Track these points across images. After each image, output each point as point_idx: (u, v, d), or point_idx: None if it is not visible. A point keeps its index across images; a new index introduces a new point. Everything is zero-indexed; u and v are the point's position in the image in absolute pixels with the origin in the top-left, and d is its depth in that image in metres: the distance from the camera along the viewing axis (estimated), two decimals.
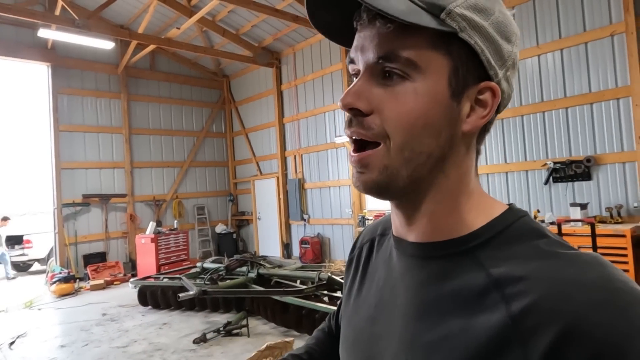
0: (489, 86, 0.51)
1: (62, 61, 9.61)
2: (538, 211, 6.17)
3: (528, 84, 6.51)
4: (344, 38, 0.57)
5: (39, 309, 7.14)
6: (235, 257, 6.12)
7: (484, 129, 0.55)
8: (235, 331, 5.07)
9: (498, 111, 0.53)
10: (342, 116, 9.28)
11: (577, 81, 6.04)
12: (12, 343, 5.27)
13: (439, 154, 0.51)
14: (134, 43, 9.68)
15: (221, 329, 5.05)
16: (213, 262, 6.81)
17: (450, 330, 0.47)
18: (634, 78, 5.48)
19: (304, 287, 4.93)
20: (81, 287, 8.42)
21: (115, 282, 8.76)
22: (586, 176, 5.93)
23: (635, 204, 5.50)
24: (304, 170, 10.40)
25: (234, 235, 12.10)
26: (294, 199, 10.45)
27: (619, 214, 5.54)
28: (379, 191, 0.53)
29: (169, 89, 11.55)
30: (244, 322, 5.16)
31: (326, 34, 0.59)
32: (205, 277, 5.46)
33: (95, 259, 9.59)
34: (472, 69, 0.50)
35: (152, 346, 4.96)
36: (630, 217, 5.54)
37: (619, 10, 5.61)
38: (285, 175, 10.85)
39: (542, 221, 5.95)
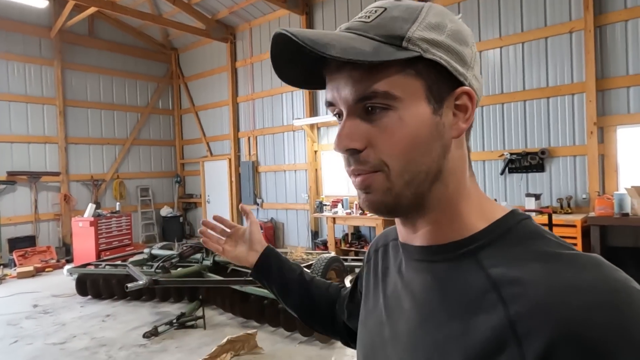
0: (464, 91, 0.54)
1: None
2: (495, 200, 6.31)
3: (489, 75, 6.59)
4: (314, 85, 0.61)
5: None
6: (189, 243, 5.71)
7: (469, 126, 0.57)
8: (189, 323, 4.72)
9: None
10: (301, 98, 8.98)
11: (536, 75, 6.20)
12: None
13: (435, 167, 0.54)
14: (70, 4, 8.66)
15: (174, 320, 4.68)
16: (162, 248, 6.33)
17: (451, 331, 0.48)
18: (589, 75, 5.70)
19: None
20: (6, 275, 7.54)
21: (47, 269, 7.95)
22: (540, 168, 6.15)
23: (584, 196, 5.79)
24: (258, 153, 10.00)
25: (181, 219, 11.49)
26: (247, 182, 10.05)
27: (568, 204, 5.81)
28: (387, 211, 0.55)
29: (110, 58, 10.55)
30: (199, 313, 4.83)
31: (296, 85, 0.62)
32: (156, 265, 5.02)
33: (23, 243, 8.64)
34: (443, 81, 0.53)
35: (95, 342, 4.48)
36: (579, 207, 5.83)
37: (579, 7, 5.78)
38: (238, 157, 10.39)
39: None
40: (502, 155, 6.45)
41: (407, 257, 0.61)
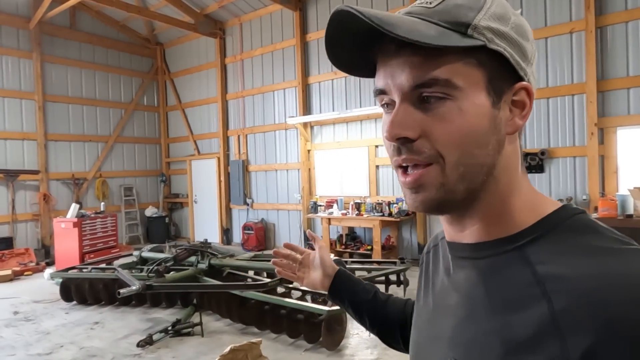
0: (523, 86, 0.53)
1: None
2: None
3: None
4: (362, 71, 0.59)
5: None
6: (183, 245, 5.44)
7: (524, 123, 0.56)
8: (185, 330, 4.47)
9: None
10: (294, 96, 8.77)
11: (536, 75, 6.15)
12: None
13: (489, 162, 0.52)
14: None
15: (169, 328, 4.41)
16: (152, 250, 6.04)
17: (493, 326, 0.48)
18: (590, 75, 5.68)
19: (268, 280, 4.46)
20: None
21: (26, 273, 7.52)
22: (539, 168, 6.11)
23: (584, 197, 5.77)
24: (248, 152, 9.74)
25: (166, 219, 11.12)
26: (237, 182, 9.78)
27: None
28: (439, 208, 0.54)
29: (92, 52, 10.12)
30: (194, 319, 4.58)
31: (345, 69, 0.60)
32: (150, 268, 4.74)
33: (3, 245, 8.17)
34: (504, 75, 0.52)
35: (83, 352, 4.19)
36: None
37: (580, 7, 5.76)
38: (227, 156, 10.11)
39: None
40: None
41: (454, 255, 0.60)
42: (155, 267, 4.67)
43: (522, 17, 0.55)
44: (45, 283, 6.78)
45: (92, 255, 7.54)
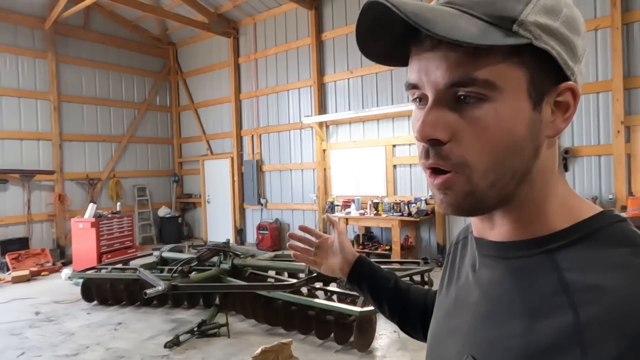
0: (569, 87, 0.49)
1: None
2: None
3: None
4: (395, 61, 0.56)
5: None
6: (206, 245, 5.40)
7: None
8: (211, 331, 4.43)
9: None
10: (309, 95, 8.72)
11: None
12: None
13: (524, 168, 0.49)
14: None
15: (195, 329, 4.37)
16: (171, 250, 6.00)
17: (514, 329, 0.46)
18: (616, 73, 5.59)
19: (295, 280, 4.40)
20: (0, 279, 7.09)
21: (43, 273, 7.51)
22: (563, 168, 6.01)
23: (610, 196, 5.69)
24: (262, 151, 9.70)
25: (179, 220, 11.09)
26: (251, 182, 9.74)
27: None
28: (468, 212, 0.52)
29: (104, 52, 10.11)
30: (221, 320, 4.53)
31: (376, 60, 0.56)
32: (174, 269, 4.70)
33: (15, 245, 8.17)
34: (548, 74, 0.48)
35: (110, 353, 4.15)
36: (605, 209, 5.72)
37: (606, 4, 5.67)
38: (240, 156, 10.07)
39: None
40: None
41: (480, 252, 0.58)
42: (180, 268, 4.63)
43: (575, 7, 0.50)
44: (63, 283, 6.79)
45: (109, 256, 7.52)
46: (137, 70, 10.78)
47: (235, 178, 10.08)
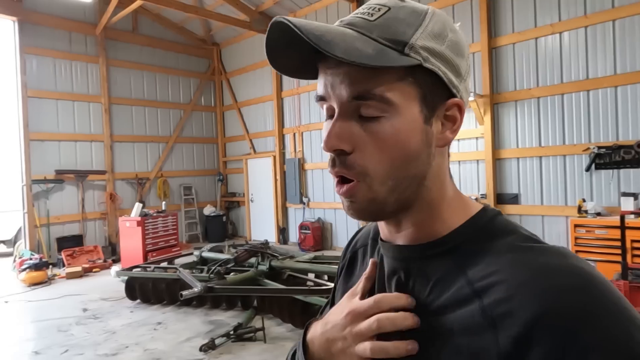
0: (455, 103, 0.55)
1: (30, 16, 8.34)
2: (583, 200, 5.57)
3: (572, 59, 5.83)
4: (305, 75, 0.60)
5: (6, 302, 6.16)
6: (244, 246, 5.31)
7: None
8: (247, 335, 4.30)
9: None
10: None
11: (630, 56, 5.40)
12: None
13: (420, 174, 0.54)
14: (114, 0, 8.48)
15: (231, 332, 4.26)
16: (211, 250, 5.97)
17: (429, 326, 0.50)
18: None
19: (333, 285, 4.17)
20: (55, 275, 7.43)
21: (94, 269, 7.80)
22: (635, 163, 5.35)
23: None
24: (304, 150, 9.55)
25: (224, 218, 11.21)
26: (293, 181, 9.62)
27: None
28: (372, 218, 0.57)
29: (152, 55, 10.38)
30: (257, 324, 4.40)
31: (288, 74, 0.60)
32: (211, 269, 4.63)
33: (70, 242, 8.56)
34: (437, 91, 0.53)
35: (148, 354, 4.13)
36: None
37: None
38: (282, 155, 9.98)
39: (585, 211, 5.39)
40: (588, 149, 5.68)
41: (387, 256, 0.61)
42: (216, 269, 4.54)
43: (460, 33, 0.56)
44: (112, 280, 6.96)
45: (154, 254, 7.68)
46: (183, 72, 10.99)
47: (278, 177, 10.01)
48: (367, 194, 0.53)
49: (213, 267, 4.68)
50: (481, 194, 6.72)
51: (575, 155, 5.85)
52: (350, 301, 0.59)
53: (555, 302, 0.42)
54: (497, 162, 6.57)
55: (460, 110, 0.55)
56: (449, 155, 0.59)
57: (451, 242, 0.54)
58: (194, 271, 5.46)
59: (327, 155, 0.54)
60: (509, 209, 6.43)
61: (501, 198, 6.54)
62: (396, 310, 0.53)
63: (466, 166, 6.94)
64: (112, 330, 4.80)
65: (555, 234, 6.01)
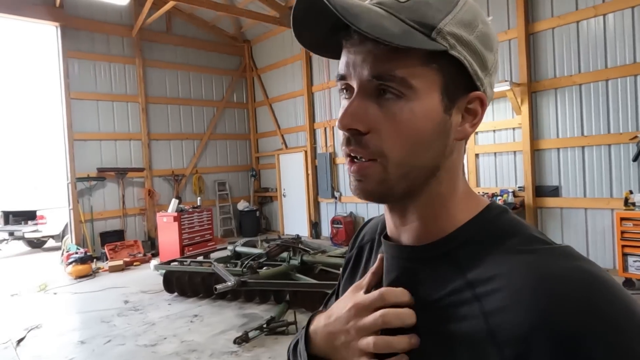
0: (478, 96, 0.54)
1: (71, 21, 8.71)
2: (630, 192, 5.26)
3: (617, 42, 5.49)
4: (328, 52, 0.58)
5: (55, 293, 6.52)
6: (276, 241, 5.38)
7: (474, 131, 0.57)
8: (280, 328, 4.35)
9: None
10: None
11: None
12: (20, 340, 4.62)
13: (433, 164, 0.53)
14: (149, 2, 8.74)
15: (264, 325, 4.33)
16: (245, 245, 6.08)
17: (430, 330, 0.49)
18: None
19: None
20: (99, 268, 7.80)
21: (135, 263, 8.13)
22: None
23: None
24: (335, 144, 9.52)
25: (257, 213, 11.38)
26: (324, 175, 9.63)
27: None
28: (378, 199, 0.56)
29: (185, 54, 10.61)
30: (288, 317, 4.44)
31: (311, 49, 0.59)
32: (245, 264, 4.72)
33: (112, 237, 8.95)
34: (461, 82, 0.52)
35: (184, 346, 4.27)
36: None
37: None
38: (314, 149, 10.00)
39: (633, 203, 5.09)
40: (635, 137, 5.35)
41: (390, 255, 0.60)
42: (249, 263, 4.62)
43: (491, 26, 0.55)
44: (151, 273, 7.22)
45: (190, 248, 7.90)
46: (215, 70, 11.19)
47: (309, 171, 10.04)
48: (379, 175, 0.52)
49: (246, 262, 4.75)
50: (519, 187, 6.48)
51: (622, 144, 5.52)
52: (354, 294, 0.58)
53: (555, 311, 0.40)
54: (536, 153, 6.31)
55: (483, 104, 0.54)
56: (464, 151, 0.58)
57: (454, 242, 0.53)
58: (228, 265, 5.58)
59: None
60: (549, 202, 6.16)
61: (540, 190, 6.28)
62: (400, 306, 0.52)
63: (503, 158, 6.70)
64: (151, 322, 4.99)
65: (600, 227, 5.72)
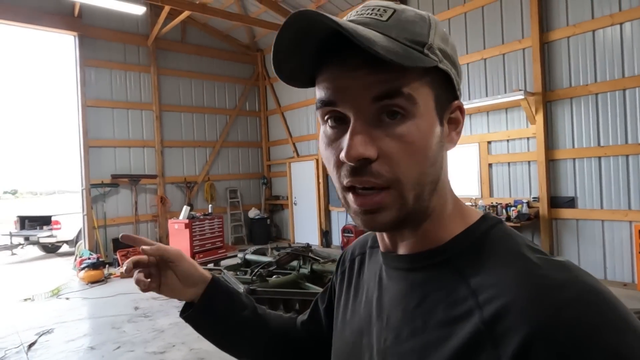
0: (458, 105, 0.55)
1: (89, 31, 8.90)
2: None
3: (635, 51, 5.39)
4: (298, 81, 0.56)
5: (67, 298, 6.58)
6: (286, 249, 5.35)
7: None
8: None
9: None
10: None
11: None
12: (31, 345, 4.65)
13: (436, 179, 0.54)
14: (164, 12, 8.89)
15: None
16: (255, 252, 6.06)
17: (429, 339, 0.49)
18: None
19: None
20: (111, 274, 7.85)
21: None
22: None
23: None
24: None
25: (268, 221, 11.38)
26: None
27: None
28: (398, 227, 0.54)
29: (199, 62, 10.75)
30: None
31: (285, 79, 0.55)
32: (254, 272, 4.70)
33: (125, 243, 8.99)
34: (446, 93, 0.53)
35: (193, 354, 4.25)
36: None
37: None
38: None
39: None
40: None
41: (387, 266, 0.61)
42: (259, 271, 4.60)
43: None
44: None
45: (201, 255, 7.91)
46: (229, 78, 11.30)
47: (321, 179, 10.02)
48: (397, 202, 0.50)
49: (256, 270, 4.73)
50: (533, 197, 6.37)
51: None
52: None
53: (554, 321, 0.40)
54: (551, 163, 6.20)
55: (462, 112, 0.56)
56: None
57: (451, 251, 0.53)
58: (237, 273, 5.56)
59: None
60: (565, 213, 6.04)
61: (555, 201, 6.16)
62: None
63: (517, 168, 6.61)
64: (160, 329, 4.99)
65: (618, 240, 5.57)
